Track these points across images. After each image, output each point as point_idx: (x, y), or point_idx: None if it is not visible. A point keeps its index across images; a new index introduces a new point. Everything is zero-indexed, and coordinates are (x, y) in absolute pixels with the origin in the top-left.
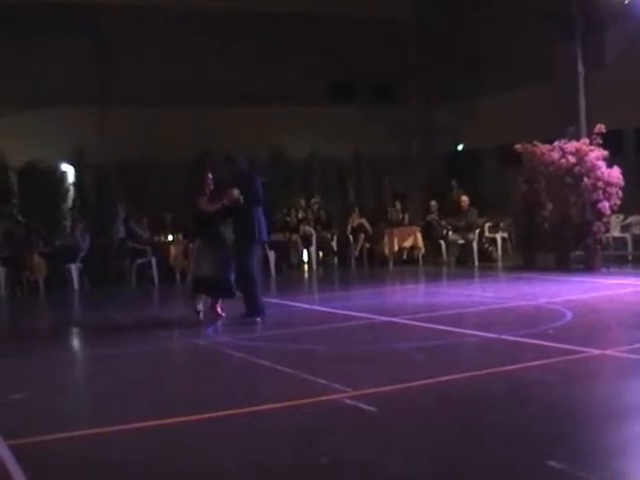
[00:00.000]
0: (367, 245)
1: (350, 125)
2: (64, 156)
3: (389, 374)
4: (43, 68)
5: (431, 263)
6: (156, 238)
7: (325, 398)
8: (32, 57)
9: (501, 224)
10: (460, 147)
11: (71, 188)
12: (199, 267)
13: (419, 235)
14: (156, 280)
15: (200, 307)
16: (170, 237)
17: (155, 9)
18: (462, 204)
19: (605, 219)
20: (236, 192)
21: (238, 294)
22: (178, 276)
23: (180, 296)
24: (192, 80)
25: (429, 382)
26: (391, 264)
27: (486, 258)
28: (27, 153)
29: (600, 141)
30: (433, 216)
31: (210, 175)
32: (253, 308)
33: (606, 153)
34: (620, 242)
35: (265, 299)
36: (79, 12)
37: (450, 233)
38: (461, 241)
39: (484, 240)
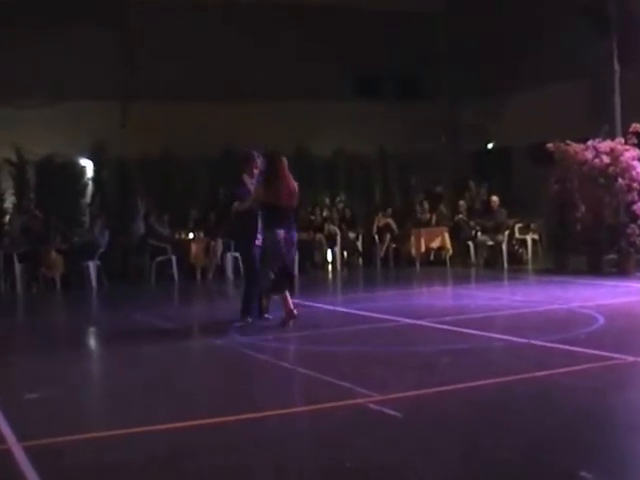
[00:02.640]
0: (393, 245)
1: (376, 122)
2: (84, 150)
3: (415, 378)
4: (66, 60)
5: (459, 265)
6: (177, 236)
7: (349, 402)
8: (55, 49)
9: (532, 225)
10: (490, 145)
11: (90, 183)
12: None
13: (447, 236)
14: (176, 278)
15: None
16: (191, 235)
17: (180, 3)
18: (492, 204)
19: None
20: None
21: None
22: (199, 274)
23: (201, 295)
24: (217, 75)
25: (456, 387)
26: (418, 265)
27: (516, 260)
28: (46, 147)
29: (635, 141)
30: (461, 216)
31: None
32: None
33: None
34: None
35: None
36: (105, 4)
37: (479, 234)
38: (490, 242)
39: (514, 241)
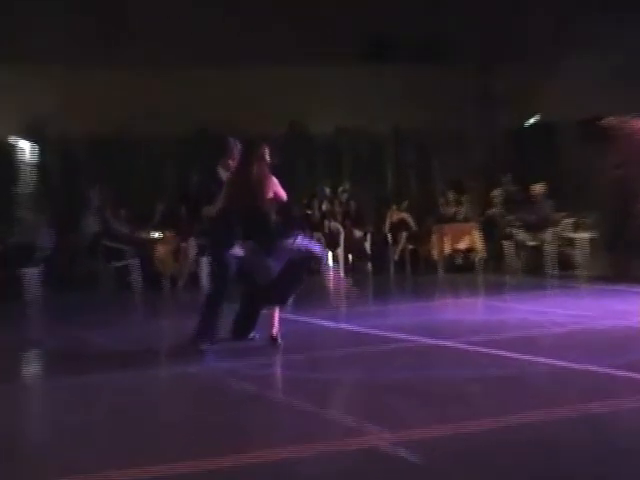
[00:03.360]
0: (410, 246)
1: (389, 92)
2: (20, 129)
3: (438, 412)
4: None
5: (493, 270)
6: (139, 234)
7: (355, 441)
8: None
9: (584, 221)
10: (531, 121)
11: (29, 169)
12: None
13: (477, 234)
14: (138, 288)
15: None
16: (157, 234)
17: None
18: (534, 194)
19: None
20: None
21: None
22: (166, 283)
23: (169, 308)
24: (193, 35)
25: (489, 423)
26: (441, 271)
27: (565, 265)
28: None
29: None
30: (496, 210)
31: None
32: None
33: None
34: None
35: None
36: None
37: (518, 232)
38: (532, 242)
39: (562, 241)
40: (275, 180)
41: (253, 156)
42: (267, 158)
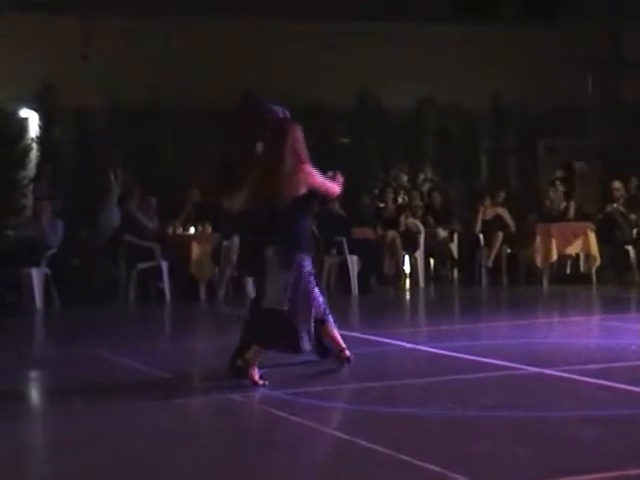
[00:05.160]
0: (508, 250)
1: (486, 56)
2: (24, 96)
3: (542, 460)
4: None
5: (612, 282)
6: (170, 230)
7: None
8: None
9: None
10: None
11: (34, 146)
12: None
13: (593, 236)
14: (168, 296)
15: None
16: (192, 229)
17: None
18: None
19: None
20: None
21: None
22: (203, 291)
23: (205, 322)
24: None
25: (610, 476)
26: (546, 281)
27: None
28: None
29: None
30: (617, 206)
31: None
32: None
33: None
34: None
35: (342, 332)
36: None
37: None
38: None
39: None
40: (312, 171)
41: (286, 138)
42: (302, 142)
